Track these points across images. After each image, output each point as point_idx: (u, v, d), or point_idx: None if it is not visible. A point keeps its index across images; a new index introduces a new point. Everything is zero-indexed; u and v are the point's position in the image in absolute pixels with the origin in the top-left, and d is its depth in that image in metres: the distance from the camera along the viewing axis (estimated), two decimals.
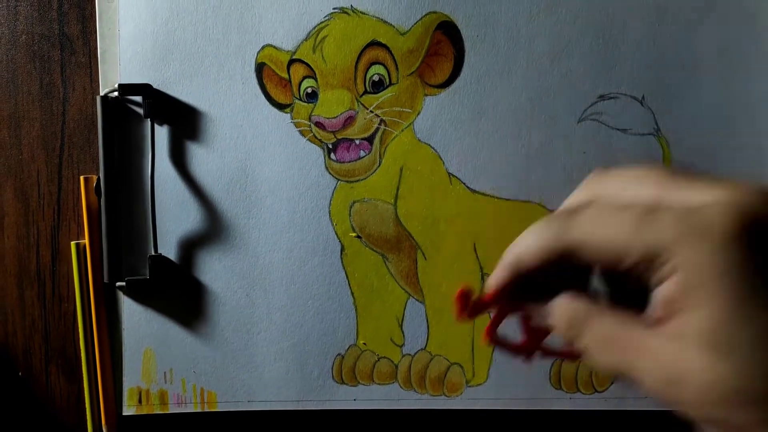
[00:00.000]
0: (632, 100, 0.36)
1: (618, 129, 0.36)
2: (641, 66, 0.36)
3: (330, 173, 0.37)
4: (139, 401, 0.38)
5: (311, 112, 0.37)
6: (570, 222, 0.26)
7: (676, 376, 0.23)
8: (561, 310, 0.26)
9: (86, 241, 0.38)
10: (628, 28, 0.36)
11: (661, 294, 0.24)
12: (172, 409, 0.38)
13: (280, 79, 0.37)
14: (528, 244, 0.27)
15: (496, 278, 0.28)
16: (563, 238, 0.26)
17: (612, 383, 0.37)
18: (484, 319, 0.27)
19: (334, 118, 0.37)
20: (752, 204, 0.23)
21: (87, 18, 0.38)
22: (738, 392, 0.23)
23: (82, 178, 0.38)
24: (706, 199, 0.23)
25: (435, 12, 0.36)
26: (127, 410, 0.38)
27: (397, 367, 0.38)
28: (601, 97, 0.36)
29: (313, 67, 0.37)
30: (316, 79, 0.37)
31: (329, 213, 0.38)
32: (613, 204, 0.25)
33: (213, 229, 0.38)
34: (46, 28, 0.39)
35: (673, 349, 0.24)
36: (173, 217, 0.38)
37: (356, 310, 0.38)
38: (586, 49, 0.36)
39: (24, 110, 0.39)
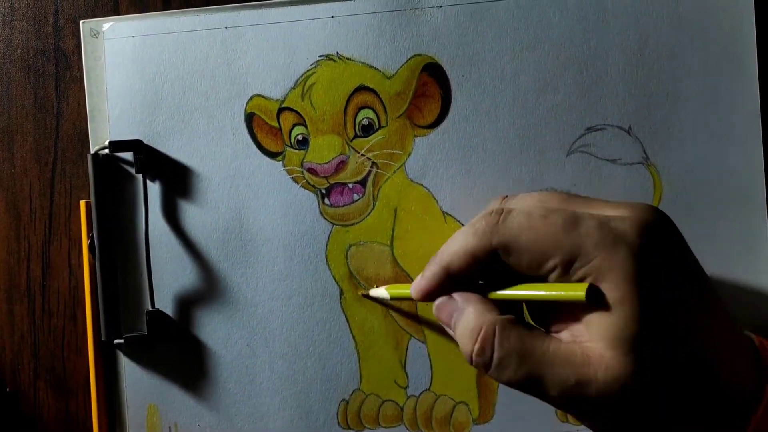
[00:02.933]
0: (619, 131, 0.36)
1: (607, 160, 0.36)
2: (626, 96, 0.36)
3: (325, 218, 0.38)
4: None
5: (303, 158, 0.37)
6: (498, 224, 0.26)
7: (583, 377, 0.24)
8: (468, 326, 0.27)
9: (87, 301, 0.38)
10: (611, 59, 0.36)
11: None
12: None
13: (270, 128, 0.38)
14: (459, 246, 0.28)
15: (426, 280, 0.29)
16: (491, 239, 0.26)
17: None
18: None
19: (326, 163, 0.37)
20: (653, 220, 0.25)
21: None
22: (641, 385, 0.24)
23: (83, 203, 0.38)
24: (613, 213, 0.25)
25: (420, 54, 0.37)
26: None
27: (402, 409, 0.38)
28: (589, 129, 0.36)
29: (302, 114, 0.37)
30: (306, 126, 0.37)
31: (326, 258, 0.38)
32: (538, 209, 0.26)
33: (210, 281, 0.38)
34: (42, 42, 0.39)
35: (581, 351, 0.24)
36: (169, 272, 0.38)
37: (358, 353, 0.38)
38: (570, 82, 0.36)
39: (17, 124, 0.39)
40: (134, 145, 0.37)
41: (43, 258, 0.39)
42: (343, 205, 0.37)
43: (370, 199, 0.37)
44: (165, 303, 0.38)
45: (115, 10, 0.39)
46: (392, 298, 0.35)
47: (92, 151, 0.38)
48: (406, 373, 0.38)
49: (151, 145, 0.38)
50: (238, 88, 0.38)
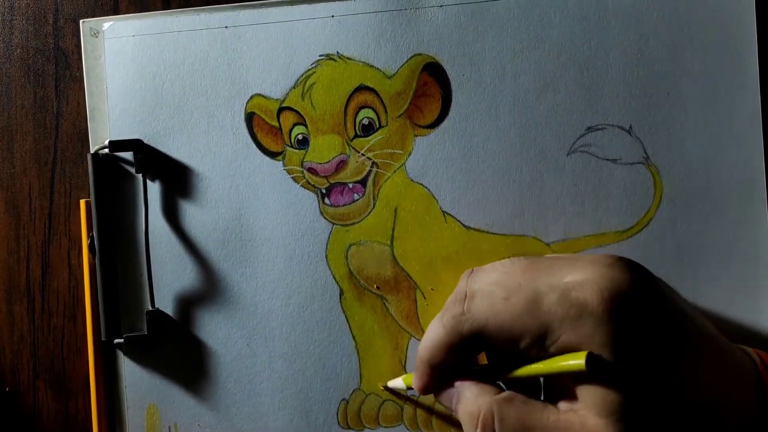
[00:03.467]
0: (620, 130, 0.36)
1: (608, 159, 0.36)
2: (627, 96, 0.36)
3: (325, 218, 0.38)
4: None
5: (303, 158, 0.37)
6: (463, 315, 0.27)
7: None
8: (467, 410, 0.27)
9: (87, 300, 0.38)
10: (611, 59, 0.36)
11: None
12: None
13: (270, 128, 0.38)
14: (432, 342, 0.29)
15: (419, 379, 0.30)
16: (461, 331, 0.27)
17: None
18: None
19: (327, 162, 0.37)
20: (615, 278, 0.25)
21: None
22: None
23: (83, 202, 0.38)
24: (574, 278, 0.25)
25: (420, 54, 0.37)
26: None
27: (402, 408, 0.38)
28: (589, 129, 0.36)
29: (302, 114, 0.37)
30: (306, 126, 0.37)
31: (326, 257, 0.38)
32: (500, 290, 0.26)
33: (210, 281, 0.38)
34: (41, 42, 0.39)
35: (579, 420, 0.25)
36: (169, 272, 0.38)
37: (358, 353, 0.38)
38: (571, 82, 0.36)
39: (17, 124, 0.39)
40: (134, 144, 0.37)
41: (42, 258, 0.39)
42: (343, 205, 0.37)
43: (370, 199, 0.37)
44: (165, 303, 0.38)
45: (115, 10, 0.39)
46: (408, 388, 0.35)
47: (92, 151, 0.38)
48: (406, 373, 0.37)
49: (151, 144, 0.38)
50: (238, 88, 0.37)
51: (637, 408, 0.24)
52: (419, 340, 0.37)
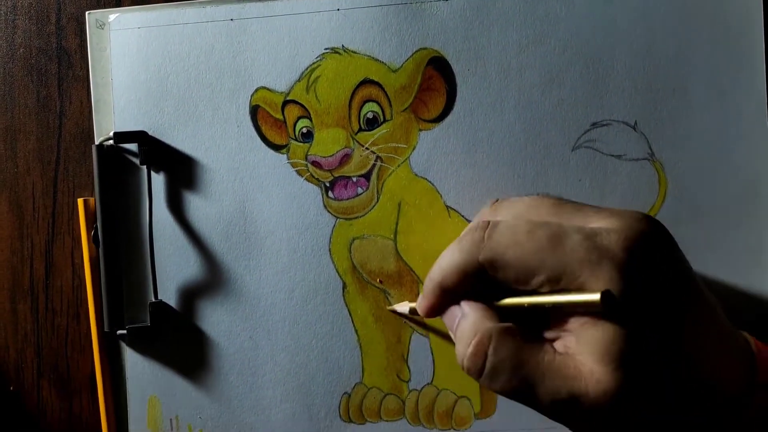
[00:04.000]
0: (625, 126, 0.36)
1: (612, 155, 0.36)
2: (632, 92, 0.36)
3: (328, 211, 0.38)
4: None
5: (307, 151, 0.37)
6: (484, 241, 0.27)
7: (575, 391, 0.24)
8: (466, 331, 0.27)
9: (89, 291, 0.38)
10: (618, 55, 0.36)
11: (562, 312, 0.25)
12: None
13: (275, 121, 0.38)
14: (447, 264, 0.28)
15: (425, 298, 0.30)
16: (477, 256, 0.27)
17: None
18: None
19: (331, 156, 0.37)
20: (640, 231, 0.24)
21: (84, 32, 0.38)
22: (631, 400, 0.24)
23: (81, 201, 0.38)
24: (600, 224, 0.25)
25: (425, 48, 0.37)
26: None
27: (404, 403, 0.38)
28: (594, 125, 0.36)
29: (307, 107, 0.37)
30: (310, 119, 0.37)
31: (329, 251, 0.38)
32: (524, 224, 0.26)
33: (213, 273, 0.38)
34: (44, 41, 0.39)
35: (574, 364, 0.24)
36: (172, 264, 0.38)
37: (360, 347, 0.38)
38: (576, 77, 0.36)
39: (20, 123, 0.39)
40: (139, 136, 0.37)
41: (46, 257, 0.39)
42: (347, 199, 0.37)
43: (374, 193, 0.37)
44: (168, 294, 0.38)
45: (118, 6, 0.39)
46: (411, 312, 0.36)
47: (97, 142, 0.38)
48: (408, 367, 0.38)
49: (156, 136, 0.38)
50: (243, 81, 0.38)
51: (637, 358, 0.23)
52: (421, 334, 0.37)
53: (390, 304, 0.37)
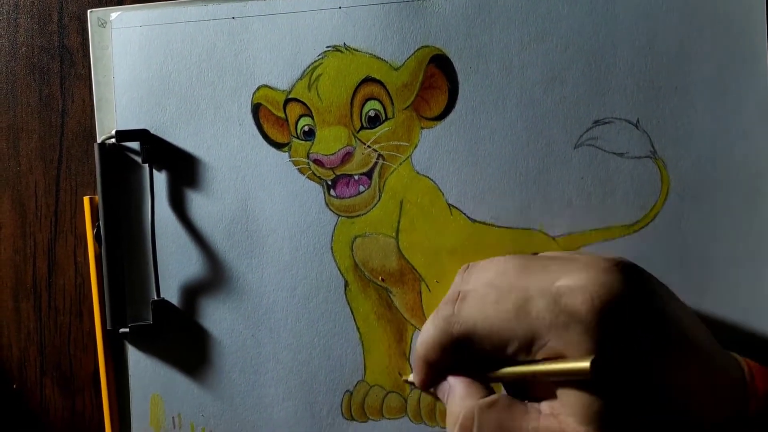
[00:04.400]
0: (627, 124, 0.36)
1: (614, 153, 0.36)
2: (634, 89, 0.36)
3: (330, 209, 0.38)
4: None
5: (309, 149, 0.37)
6: (453, 316, 0.28)
7: None
8: (452, 410, 0.28)
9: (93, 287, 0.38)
10: (620, 52, 0.36)
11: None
12: None
13: (276, 119, 0.38)
14: (426, 340, 0.29)
15: (416, 375, 0.31)
16: (452, 332, 0.28)
17: None
18: None
19: (333, 154, 0.37)
20: (606, 285, 0.24)
21: (87, 30, 0.38)
22: None
23: (86, 199, 0.38)
24: (566, 282, 0.25)
25: (427, 46, 0.37)
26: None
27: (406, 400, 0.38)
28: (596, 122, 0.36)
29: (309, 105, 0.37)
30: (312, 117, 0.37)
31: (331, 249, 0.38)
32: (491, 293, 0.27)
33: (215, 271, 0.38)
34: (46, 40, 0.39)
35: (559, 427, 0.25)
36: (175, 262, 0.38)
37: (363, 345, 0.38)
38: (578, 75, 0.36)
39: (23, 122, 0.39)
40: (141, 134, 0.37)
41: (49, 255, 0.39)
42: (349, 197, 0.37)
43: (375, 191, 0.37)
44: (170, 292, 0.38)
45: (120, 5, 0.39)
46: None
47: (99, 141, 0.38)
48: (411, 365, 0.38)
49: (158, 135, 0.38)
50: (244, 79, 0.38)
51: (618, 416, 0.24)
52: None
53: (392, 302, 0.37)
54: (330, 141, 0.37)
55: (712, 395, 0.25)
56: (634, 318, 0.24)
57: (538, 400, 0.27)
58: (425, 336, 0.29)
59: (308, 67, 0.37)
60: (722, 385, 0.26)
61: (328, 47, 0.37)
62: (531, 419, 0.25)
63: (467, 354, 0.28)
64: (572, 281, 0.25)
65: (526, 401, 0.27)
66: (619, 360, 0.24)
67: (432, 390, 0.31)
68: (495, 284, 0.27)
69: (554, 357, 0.25)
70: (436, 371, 0.30)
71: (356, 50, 0.37)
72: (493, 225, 0.37)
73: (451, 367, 0.29)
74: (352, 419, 0.38)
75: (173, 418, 0.38)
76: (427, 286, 0.37)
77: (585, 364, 0.23)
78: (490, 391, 0.28)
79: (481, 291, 0.27)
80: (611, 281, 0.25)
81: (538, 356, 0.25)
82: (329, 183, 0.37)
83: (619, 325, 0.24)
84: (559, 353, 0.24)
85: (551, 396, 0.26)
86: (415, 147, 0.37)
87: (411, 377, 0.36)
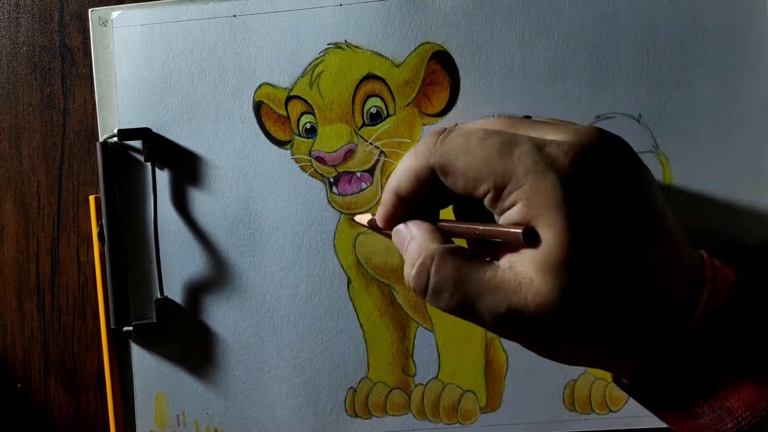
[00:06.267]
0: (629, 119, 0.36)
1: None
2: (636, 84, 0.36)
3: (333, 207, 0.38)
4: None
5: (311, 147, 0.37)
6: (437, 146, 0.27)
7: (515, 303, 0.24)
8: (412, 252, 0.28)
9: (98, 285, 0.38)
10: (621, 47, 0.36)
11: (503, 222, 0.25)
12: None
13: (278, 117, 0.38)
14: (402, 169, 0.29)
15: (382, 206, 0.30)
16: (429, 160, 0.27)
17: (626, 402, 0.37)
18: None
19: (335, 152, 0.37)
20: (590, 144, 0.25)
21: (88, 30, 0.38)
22: (571, 307, 0.24)
23: (92, 198, 0.38)
24: (553, 137, 0.25)
25: (428, 42, 0.37)
26: None
27: (409, 397, 0.38)
28: (598, 118, 0.36)
29: (310, 102, 0.37)
30: (314, 115, 0.37)
31: (334, 246, 0.38)
32: (477, 131, 0.26)
33: (218, 269, 0.38)
34: (47, 39, 0.39)
35: (515, 278, 0.25)
36: (178, 260, 0.38)
37: (366, 342, 0.38)
38: (580, 70, 0.36)
39: (24, 121, 0.39)
40: (143, 133, 0.37)
41: (52, 255, 0.39)
42: (351, 194, 0.37)
43: (378, 188, 0.37)
44: (174, 291, 0.38)
45: (121, 4, 0.39)
46: (370, 223, 0.35)
47: (101, 140, 0.38)
48: (414, 362, 0.38)
49: (160, 133, 0.38)
50: (246, 77, 0.38)
51: (577, 267, 0.24)
52: (427, 328, 0.37)
53: (395, 299, 0.38)
54: (332, 138, 0.37)
55: (672, 265, 0.25)
56: (609, 174, 0.24)
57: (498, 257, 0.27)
58: (402, 165, 0.29)
59: (309, 64, 0.37)
60: (681, 266, 0.25)
61: (329, 44, 0.37)
62: (488, 271, 0.25)
63: (436, 191, 0.28)
64: (560, 137, 0.25)
65: (486, 258, 0.27)
66: (586, 213, 0.24)
67: (390, 232, 0.30)
68: (483, 127, 0.27)
69: (526, 211, 0.24)
70: (403, 207, 0.29)
71: (357, 47, 0.37)
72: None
73: (415, 208, 0.29)
74: (356, 416, 0.38)
75: (177, 415, 0.38)
76: None
77: (517, 231, 0.24)
78: (450, 243, 0.28)
79: (469, 130, 0.27)
80: (597, 142, 0.25)
81: (506, 203, 0.25)
82: (331, 180, 0.37)
83: (595, 183, 0.24)
84: (528, 200, 0.24)
85: (510, 252, 0.26)
86: (417, 143, 0.37)
87: (360, 217, 0.36)
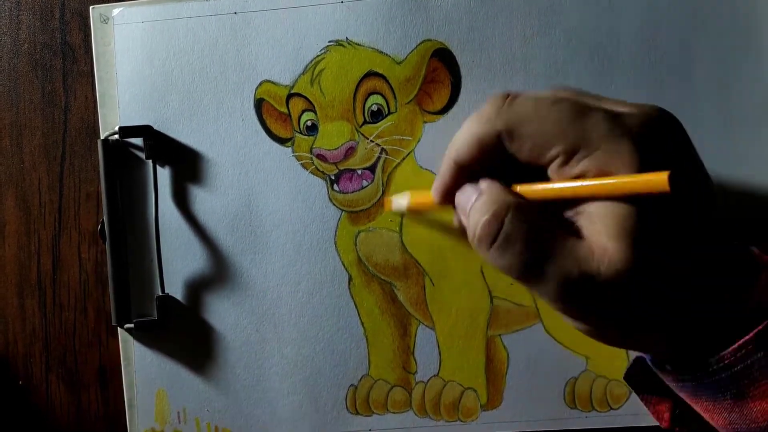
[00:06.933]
0: None
1: None
2: (637, 82, 0.36)
3: (334, 204, 0.38)
4: None
5: (312, 144, 0.37)
6: (504, 109, 0.26)
7: (587, 269, 0.24)
8: (480, 204, 0.26)
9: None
10: (622, 45, 0.36)
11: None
12: None
13: (279, 114, 0.38)
14: (464, 135, 0.27)
15: (440, 177, 0.29)
16: (496, 123, 0.26)
17: (626, 401, 0.37)
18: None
19: (335, 149, 0.37)
20: (659, 117, 0.25)
21: (89, 27, 0.38)
22: (639, 276, 0.23)
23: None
24: (622, 109, 0.25)
25: (430, 40, 0.37)
26: None
27: (410, 394, 0.38)
28: None
29: (311, 100, 0.37)
30: (315, 112, 0.37)
31: (335, 244, 0.38)
32: (548, 95, 0.26)
33: (219, 266, 0.38)
34: (48, 36, 0.39)
35: (587, 244, 0.24)
36: (179, 257, 0.38)
37: (367, 339, 0.38)
38: (581, 68, 0.36)
39: (26, 119, 0.39)
40: (144, 130, 0.37)
41: (53, 252, 0.39)
42: (352, 192, 0.37)
43: (379, 186, 0.37)
44: (175, 288, 0.38)
45: (122, 1, 0.39)
46: (412, 209, 0.34)
47: (102, 137, 0.38)
48: (415, 359, 0.38)
49: (161, 130, 0.38)
50: (247, 74, 0.38)
51: (650, 236, 0.23)
52: (428, 326, 0.37)
53: (396, 296, 0.38)
54: (333, 136, 0.37)
55: (727, 259, 0.25)
56: (678, 148, 0.25)
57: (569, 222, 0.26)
58: (464, 130, 0.27)
59: (311, 62, 0.37)
60: (735, 254, 0.26)
61: (330, 42, 0.37)
62: (562, 234, 0.24)
63: (496, 161, 0.26)
64: (627, 109, 0.25)
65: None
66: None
67: (456, 196, 0.28)
68: (554, 93, 0.26)
69: (594, 171, 0.24)
70: (463, 176, 0.28)
71: (359, 45, 0.37)
72: None
73: (479, 174, 0.27)
74: (357, 413, 0.38)
75: (178, 412, 0.38)
76: (431, 280, 0.37)
77: (662, 176, 0.22)
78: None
79: (538, 94, 0.26)
80: (662, 114, 0.25)
81: (579, 166, 0.24)
82: (332, 178, 0.37)
83: (664, 147, 0.24)
84: (601, 165, 0.24)
85: (578, 219, 0.25)
86: (418, 141, 0.37)
87: (397, 198, 0.34)
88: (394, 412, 0.38)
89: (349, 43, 0.37)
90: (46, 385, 0.40)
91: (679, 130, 0.25)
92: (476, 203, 0.26)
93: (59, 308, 0.40)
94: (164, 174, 0.38)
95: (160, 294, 0.37)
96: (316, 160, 0.37)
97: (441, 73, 0.37)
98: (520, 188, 0.26)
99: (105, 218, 0.37)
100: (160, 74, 0.38)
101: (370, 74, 0.37)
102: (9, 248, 0.40)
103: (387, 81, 0.37)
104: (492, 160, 0.27)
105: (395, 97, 0.37)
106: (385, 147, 0.37)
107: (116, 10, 0.38)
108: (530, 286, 0.25)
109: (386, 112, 0.37)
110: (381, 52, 0.37)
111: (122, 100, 0.38)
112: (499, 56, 0.36)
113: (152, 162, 0.37)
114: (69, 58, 0.39)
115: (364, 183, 0.37)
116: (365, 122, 0.37)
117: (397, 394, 0.38)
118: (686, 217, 0.24)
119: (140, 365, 0.38)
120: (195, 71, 0.38)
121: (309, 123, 0.37)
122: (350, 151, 0.37)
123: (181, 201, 0.38)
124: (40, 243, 0.40)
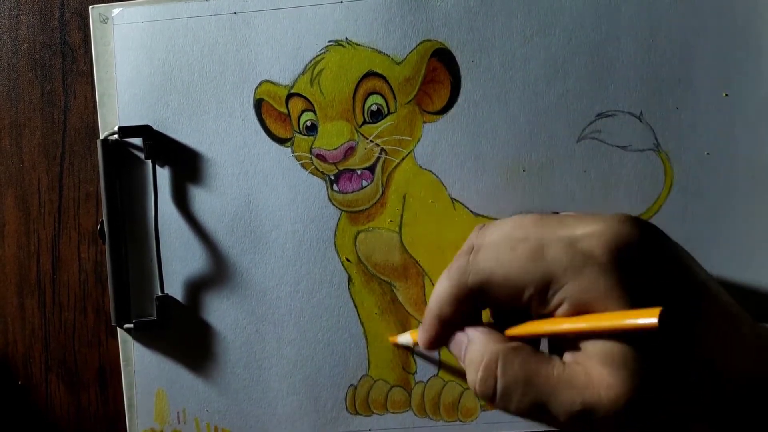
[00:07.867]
0: (630, 117, 0.36)
1: (618, 146, 0.36)
2: (638, 82, 0.36)
3: (333, 204, 0.38)
4: None
5: (312, 144, 0.37)
6: (470, 264, 0.27)
7: (588, 398, 0.24)
8: (473, 356, 0.27)
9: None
10: (623, 45, 0.36)
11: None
12: None
13: (279, 114, 0.38)
14: (439, 294, 0.28)
15: (425, 332, 0.30)
16: (466, 282, 0.27)
17: None
18: None
19: (335, 149, 0.37)
20: (623, 233, 0.24)
21: (88, 27, 0.38)
22: (642, 401, 0.23)
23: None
24: (582, 231, 0.25)
25: (429, 40, 0.37)
26: None
27: (410, 395, 0.38)
28: (599, 116, 0.36)
29: (311, 100, 0.37)
30: (315, 112, 0.37)
31: (335, 244, 0.38)
32: (505, 242, 0.26)
33: (219, 266, 0.38)
34: (48, 36, 0.39)
35: (583, 372, 0.24)
36: (178, 258, 0.38)
37: (366, 339, 0.38)
38: (581, 68, 0.36)
39: (25, 118, 0.39)
40: (144, 130, 0.37)
41: (52, 252, 0.39)
42: (352, 192, 0.37)
43: (378, 186, 0.37)
44: (174, 288, 0.38)
45: (121, 1, 0.39)
46: (415, 344, 0.35)
47: (101, 137, 0.38)
48: (414, 359, 0.38)
49: (161, 130, 0.38)
50: (247, 74, 0.37)
51: (644, 357, 0.23)
52: None
53: (396, 296, 0.38)
54: (332, 136, 0.37)
55: (736, 348, 0.25)
56: (653, 261, 0.24)
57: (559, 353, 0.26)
58: (439, 290, 0.28)
59: (310, 61, 0.37)
60: (743, 336, 0.25)
61: (330, 42, 0.37)
62: (556, 366, 0.25)
63: (481, 306, 0.28)
64: (588, 230, 0.25)
65: (545, 352, 0.26)
66: (643, 299, 0.23)
67: (447, 346, 0.30)
68: (510, 235, 0.27)
69: (570, 303, 0.24)
70: (447, 328, 0.29)
71: (358, 44, 0.37)
72: (496, 219, 0.37)
73: (464, 323, 0.28)
74: (357, 413, 0.38)
75: (178, 412, 0.38)
76: (430, 280, 0.37)
77: (652, 320, 0.22)
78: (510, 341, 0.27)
79: (497, 241, 0.27)
80: (627, 228, 0.25)
81: (554, 301, 0.25)
82: (332, 178, 0.37)
83: (637, 266, 0.24)
84: (576, 296, 0.24)
85: (570, 348, 0.25)
86: (418, 141, 0.37)
87: (402, 339, 0.36)
88: (393, 412, 0.38)
89: (348, 43, 0.37)
90: (45, 385, 0.40)
91: (650, 241, 0.25)
92: (467, 356, 0.27)
93: (59, 308, 0.40)
94: (164, 174, 0.38)
95: (160, 294, 0.37)
96: (315, 160, 0.37)
97: (441, 73, 0.37)
98: (509, 332, 0.27)
99: (104, 218, 0.37)
100: (160, 74, 0.38)
101: (369, 74, 0.37)
102: (8, 248, 0.40)
103: (386, 81, 0.37)
104: (475, 308, 0.28)
105: (395, 97, 0.37)
106: (384, 147, 0.37)
107: (116, 10, 0.38)
108: (542, 423, 0.26)
109: (386, 112, 0.37)
110: (380, 52, 0.37)
111: (122, 100, 0.38)
112: (499, 56, 0.36)
113: (152, 162, 0.37)
114: (68, 58, 0.39)
115: (364, 183, 0.37)
116: (365, 122, 0.37)
117: (397, 394, 0.38)
118: (683, 332, 0.24)
119: (140, 365, 0.38)
120: (194, 71, 0.38)
121: (308, 123, 0.37)
122: (350, 151, 0.37)
123: (180, 201, 0.38)
124: (40, 243, 0.40)
